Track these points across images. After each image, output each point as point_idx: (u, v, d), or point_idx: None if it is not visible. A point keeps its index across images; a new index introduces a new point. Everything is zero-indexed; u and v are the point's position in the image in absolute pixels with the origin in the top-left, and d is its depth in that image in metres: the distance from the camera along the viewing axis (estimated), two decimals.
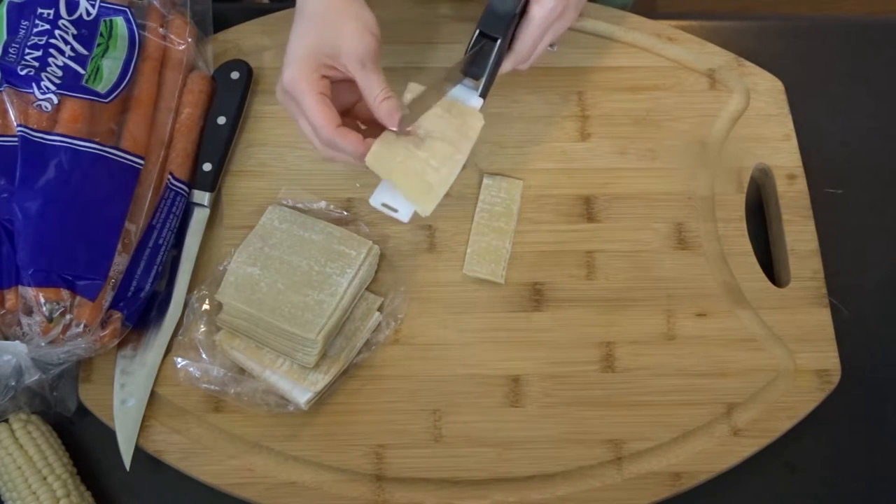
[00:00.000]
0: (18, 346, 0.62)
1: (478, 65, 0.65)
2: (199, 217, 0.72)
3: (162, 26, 0.74)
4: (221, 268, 0.69)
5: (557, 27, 0.65)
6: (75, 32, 0.70)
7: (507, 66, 0.66)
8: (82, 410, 0.66)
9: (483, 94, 0.66)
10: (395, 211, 0.65)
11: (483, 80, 0.66)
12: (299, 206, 0.72)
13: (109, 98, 0.69)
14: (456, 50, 0.78)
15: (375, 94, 0.61)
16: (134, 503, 0.65)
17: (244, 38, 0.79)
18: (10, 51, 0.68)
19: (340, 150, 0.62)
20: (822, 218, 0.74)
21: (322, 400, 0.66)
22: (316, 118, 0.61)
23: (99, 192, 0.66)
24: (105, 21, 0.72)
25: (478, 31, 0.64)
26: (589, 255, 0.71)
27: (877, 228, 0.76)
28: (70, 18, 0.71)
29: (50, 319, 0.62)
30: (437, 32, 0.79)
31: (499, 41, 0.64)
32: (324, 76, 0.62)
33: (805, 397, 0.68)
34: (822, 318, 0.70)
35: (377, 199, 0.66)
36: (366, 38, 0.61)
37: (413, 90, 0.64)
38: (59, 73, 0.68)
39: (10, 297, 0.62)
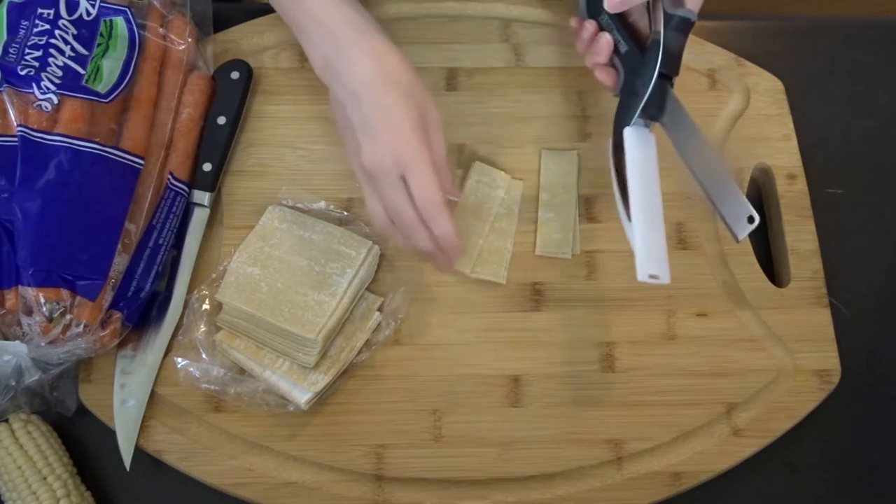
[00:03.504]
0: (18, 346, 0.62)
1: (657, 106, 0.63)
2: (199, 217, 0.72)
3: (162, 26, 0.74)
4: (221, 268, 0.69)
5: None
6: (75, 32, 0.70)
7: None
8: (82, 410, 0.66)
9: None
10: (657, 278, 0.59)
11: (663, 118, 0.64)
12: (299, 206, 0.72)
13: (109, 98, 0.69)
14: (456, 50, 0.78)
15: (435, 196, 0.57)
16: (134, 503, 0.65)
17: (244, 38, 0.79)
18: (10, 51, 0.68)
19: (436, 227, 0.58)
20: (822, 218, 0.74)
21: (322, 400, 0.66)
22: (423, 194, 0.56)
23: (99, 192, 0.66)
24: (105, 21, 0.72)
25: (657, 74, 0.62)
26: (589, 255, 0.71)
27: (877, 228, 0.76)
28: (70, 18, 0.71)
29: (50, 319, 0.62)
30: (437, 32, 0.79)
31: (674, 78, 0.63)
32: None
33: (805, 397, 0.68)
34: (822, 318, 0.70)
35: (643, 272, 0.59)
36: (431, 100, 0.59)
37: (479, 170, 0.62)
38: (59, 73, 0.68)
39: (10, 297, 0.62)
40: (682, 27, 0.62)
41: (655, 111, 0.63)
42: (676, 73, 0.63)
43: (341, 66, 0.58)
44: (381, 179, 0.58)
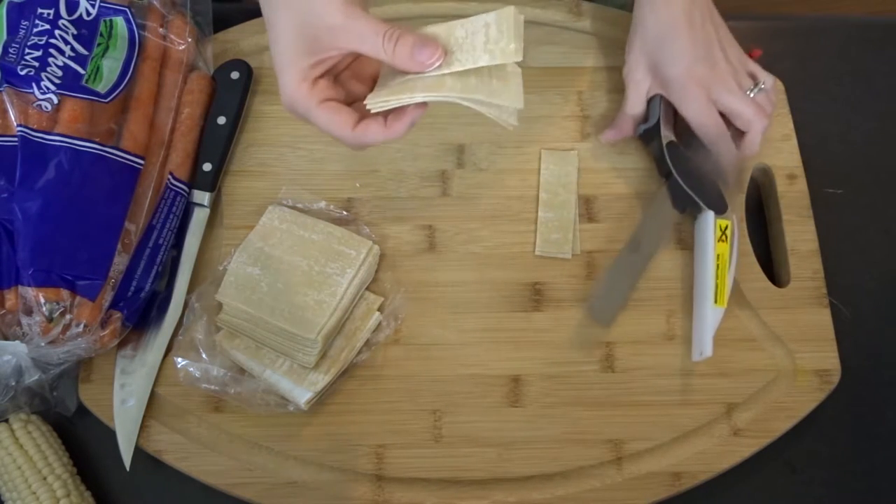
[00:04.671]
0: (18, 346, 0.62)
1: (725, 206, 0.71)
2: (199, 217, 0.72)
3: (162, 26, 0.74)
4: (221, 268, 0.69)
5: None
6: (75, 32, 0.70)
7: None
8: (82, 410, 0.66)
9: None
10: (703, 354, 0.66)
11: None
12: (299, 206, 0.72)
13: (109, 98, 0.69)
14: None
15: (378, 43, 0.49)
16: (134, 503, 0.65)
17: (244, 38, 0.79)
18: (10, 51, 0.68)
19: (370, 144, 0.54)
20: (822, 218, 0.74)
21: (322, 400, 0.66)
22: (330, 131, 0.53)
23: (99, 192, 0.66)
24: (105, 21, 0.72)
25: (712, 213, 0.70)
26: (589, 255, 0.71)
27: (877, 228, 0.76)
28: (70, 18, 0.71)
29: (50, 319, 0.62)
30: None
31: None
32: (318, 77, 0.53)
33: (805, 397, 0.68)
34: (822, 318, 0.70)
35: (696, 354, 0.67)
36: (331, 2, 0.50)
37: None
38: (59, 73, 0.68)
39: (10, 297, 0.62)
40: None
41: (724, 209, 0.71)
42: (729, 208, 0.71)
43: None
44: (297, 117, 0.55)
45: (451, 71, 0.50)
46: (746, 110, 0.68)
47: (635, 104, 0.71)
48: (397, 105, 0.51)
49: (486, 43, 0.50)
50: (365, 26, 0.49)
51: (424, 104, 0.52)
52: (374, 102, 0.52)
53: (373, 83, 0.55)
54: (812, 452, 0.68)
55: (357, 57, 0.54)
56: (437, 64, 0.50)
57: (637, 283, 0.70)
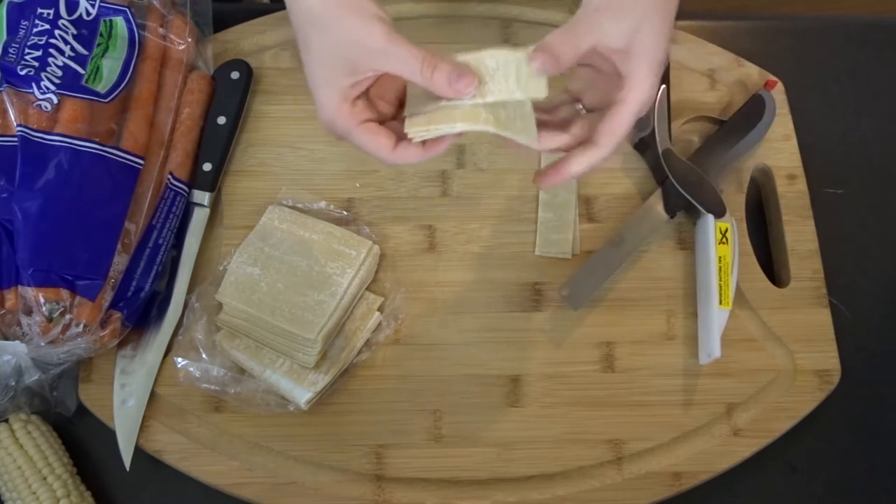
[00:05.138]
0: (18, 346, 0.62)
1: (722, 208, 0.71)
2: (199, 217, 0.72)
3: (162, 26, 0.74)
4: (221, 268, 0.69)
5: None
6: (75, 32, 0.70)
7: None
8: (82, 410, 0.66)
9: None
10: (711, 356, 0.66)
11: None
12: (299, 206, 0.72)
13: (109, 98, 0.69)
14: (456, 50, 0.78)
15: (416, 69, 0.51)
16: (134, 503, 0.65)
17: (244, 38, 0.79)
18: (10, 51, 0.68)
19: (407, 164, 0.55)
20: (822, 218, 0.74)
21: (322, 400, 0.66)
22: (370, 151, 0.54)
23: (99, 192, 0.66)
24: (105, 21, 0.72)
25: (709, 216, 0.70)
26: (589, 255, 0.71)
27: (877, 228, 0.76)
28: (70, 18, 0.71)
29: (50, 319, 0.62)
30: (437, 32, 0.79)
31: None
32: (356, 98, 0.54)
33: (805, 397, 0.68)
34: (822, 318, 0.70)
35: (704, 357, 0.68)
36: (372, 27, 0.51)
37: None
38: (59, 73, 0.68)
39: (10, 297, 0.62)
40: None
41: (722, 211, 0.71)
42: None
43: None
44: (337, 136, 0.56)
45: (484, 101, 0.52)
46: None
47: (586, 41, 0.53)
48: (437, 134, 0.53)
49: (518, 78, 0.52)
50: (406, 51, 0.51)
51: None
52: (415, 131, 0.53)
53: (396, 101, 0.57)
54: (812, 452, 0.68)
55: (379, 77, 0.55)
56: (473, 93, 0.51)
57: (612, 276, 0.70)
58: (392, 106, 0.56)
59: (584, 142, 0.55)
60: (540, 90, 0.52)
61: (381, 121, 0.55)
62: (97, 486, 0.64)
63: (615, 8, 0.53)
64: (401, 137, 0.54)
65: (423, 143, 0.54)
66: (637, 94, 0.54)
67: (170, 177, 0.70)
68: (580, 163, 0.55)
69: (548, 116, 0.58)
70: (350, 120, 0.53)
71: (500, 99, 0.52)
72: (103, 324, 0.64)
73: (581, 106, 0.58)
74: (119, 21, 0.73)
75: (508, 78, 0.52)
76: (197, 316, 0.68)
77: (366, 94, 0.55)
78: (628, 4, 0.53)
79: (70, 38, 0.70)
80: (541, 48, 0.52)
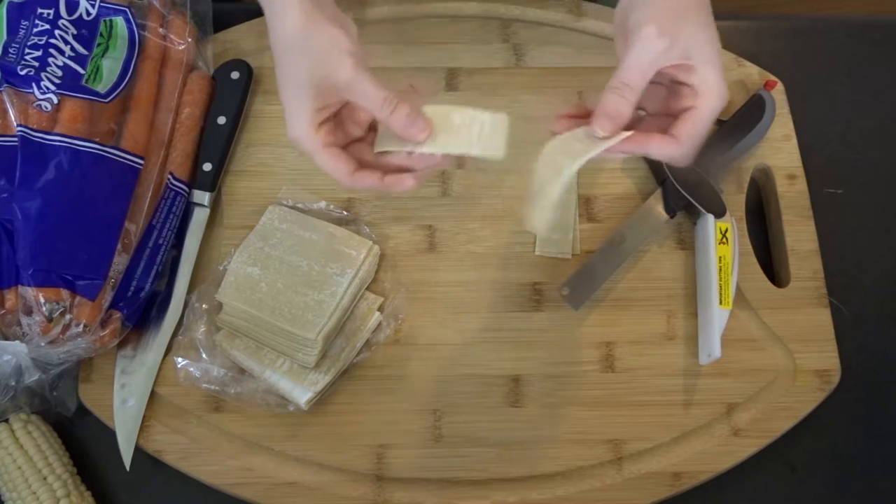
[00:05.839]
0: (18, 346, 0.62)
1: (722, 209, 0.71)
2: (199, 217, 0.72)
3: (162, 26, 0.74)
4: (221, 268, 0.69)
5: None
6: (75, 32, 0.70)
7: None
8: (82, 410, 0.66)
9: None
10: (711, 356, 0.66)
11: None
12: (299, 206, 0.72)
13: (109, 98, 0.69)
14: (457, 50, 0.78)
15: (378, 106, 0.54)
16: (134, 503, 0.65)
17: (244, 38, 0.79)
18: (10, 51, 0.68)
19: (363, 188, 0.58)
20: (822, 218, 0.74)
21: (322, 400, 0.66)
22: (331, 173, 0.57)
23: (99, 192, 0.66)
24: (105, 21, 0.72)
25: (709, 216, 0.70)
26: (589, 255, 0.71)
27: (877, 228, 0.76)
28: (70, 18, 0.71)
29: (50, 319, 0.62)
30: (437, 32, 0.79)
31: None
32: (323, 122, 0.57)
33: (805, 397, 0.68)
34: (822, 318, 0.70)
35: (703, 357, 0.67)
36: (341, 60, 0.54)
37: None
38: (59, 73, 0.68)
39: (10, 297, 0.62)
40: None
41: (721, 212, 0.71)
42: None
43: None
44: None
45: (444, 152, 0.56)
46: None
47: (644, 77, 0.54)
48: (399, 150, 0.57)
49: (480, 136, 0.56)
50: (370, 89, 0.54)
51: (420, 178, 0.57)
52: (382, 145, 0.57)
53: (366, 125, 0.59)
54: (812, 452, 0.68)
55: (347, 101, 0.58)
56: (423, 139, 0.55)
57: (612, 276, 0.70)
58: (360, 128, 0.59)
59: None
60: (497, 152, 0.56)
61: (348, 142, 0.58)
62: (97, 486, 0.64)
63: (660, 25, 0.53)
64: (362, 163, 0.57)
65: (383, 174, 0.57)
66: (713, 101, 0.55)
67: (170, 177, 0.70)
68: (660, 147, 0.55)
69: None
70: (314, 143, 0.56)
71: (457, 153, 0.56)
72: (103, 324, 0.64)
73: (644, 111, 0.59)
74: (119, 21, 0.73)
75: (471, 135, 0.56)
76: (197, 316, 0.68)
77: (334, 117, 0.57)
78: (670, 17, 0.54)
79: (70, 38, 0.70)
80: (600, 114, 0.54)
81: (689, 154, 0.56)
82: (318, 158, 0.57)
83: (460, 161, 0.75)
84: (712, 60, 0.54)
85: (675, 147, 0.55)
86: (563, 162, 0.56)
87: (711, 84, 0.54)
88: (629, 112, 0.54)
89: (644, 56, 0.54)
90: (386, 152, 0.57)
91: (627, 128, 0.56)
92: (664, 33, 0.53)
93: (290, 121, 0.57)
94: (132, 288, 0.66)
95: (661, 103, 0.58)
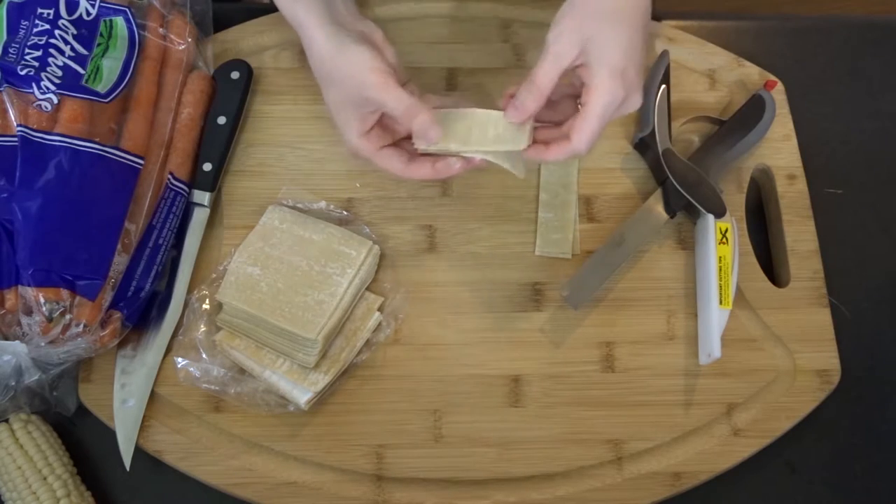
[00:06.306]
0: (18, 346, 0.62)
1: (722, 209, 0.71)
2: (199, 217, 0.72)
3: (162, 26, 0.74)
4: (221, 268, 0.69)
5: (619, 113, 0.61)
6: (75, 32, 0.70)
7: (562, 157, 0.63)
8: (82, 410, 0.66)
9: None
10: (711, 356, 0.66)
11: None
12: (299, 206, 0.72)
13: (109, 98, 0.69)
14: (456, 50, 0.78)
15: (401, 114, 0.60)
16: (134, 503, 0.65)
17: (244, 38, 0.79)
18: (10, 51, 0.68)
19: (420, 179, 0.64)
20: (822, 218, 0.74)
21: (322, 400, 0.66)
22: (389, 171, 0.63)
23: (99, 192, 0.66)
24: (105, 21, 0.72)
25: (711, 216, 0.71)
26: (589, 255, 0.71)
27: (877, 228, 0.76)
28: (70, 18, 0.71)
29: (50, 319, 0.62)
30: (437, 32, 0.79)
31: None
32: (370, 130, 0.63)
33: (805, 397, 0.68)
34: (822, 318, 0.70)
35: (703, 357, 0.68)
36: (365, 79, 0.60)
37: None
38: (59, 73, 0.68)
39: (10, 297, 0.62)
40: None
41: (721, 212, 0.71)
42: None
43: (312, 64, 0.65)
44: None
45: (472, 150, 0.62)
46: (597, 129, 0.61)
47: (549, 77, 0.60)
48: (437, 151, 0.62)
49: (497, 130, 0.61)
50: (393, 101, 0.60)
51: (469, 162, 0.62)
52: (422, 145, 0.62)
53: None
54: (812, 452, 0.68)
55: None
56: (435, 142, 0.61)
57: (612, 276, 0.70)
58: (401, 133, 0.65)
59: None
60: (520, 142, 0.61)
61: (398, 140, 0.65)
62: (97, 486, 0.64)
63: (568, 29, 0.60)
64: (413, 156, 0.63)
65: (434, 163, 0.63)
66: (598, 99, 0.59)
67: (170, 177, 0.70)
68: (556, 153, 0.61)
69: (551, 112, 0.64)
70: (367, 148, 0.63)
71: (484, 150, 0.61)
72: (103, 324, 0.64)
73: (580, 103, 0.62)
74: (119, 21, 0.73)
75: (486, 132, 0.61)
76: (197, 316, 0.68)
77: (380, 123, 0.63)
78: (576, 23, 0.60)
79: (70, 38, 0.70)
80: (511, 105, 0.61)
81: (586, 151, 0.60)
82: (375, 160, 0.64)
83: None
84: (610, 59, 0.59)
85: (568, 147, 0.60)
86: (473, 137, 0.62)
87: (600, 81, 0.59)
88: (534, 108, 0.60)
89: (550, 62, 0.60)
90: (425, 149, 0.62)
91: (559, 122, 0.63)
92: (573, 42, 0.59)
93: (344, 136, 0.64)
94: (132, 288, 0.66)
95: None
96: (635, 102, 0.61)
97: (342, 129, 0.64)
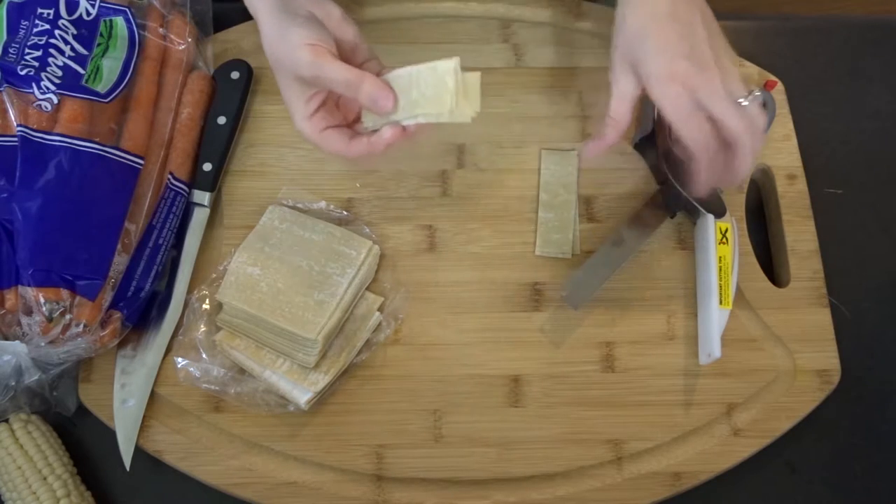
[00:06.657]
0: (18, 346, 0.62)
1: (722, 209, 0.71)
2: (199, 217, 0.72)
3: (162, 26, 0.74)
4: (221, 268, 0.69)
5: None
6: (75, 32, 0.70)
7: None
8: (82, 410, 0.66)
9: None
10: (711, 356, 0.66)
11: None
12: (299, 206, 0.72)
13: (109, 98, 0.69)
14: (457, 50, 0.78)
15: (343, 87, 0.59)
16: (134, 503, 0.65)
17: (244, 38, 0.79)
18: (10, 51, 0.68)
19: (359, 156, 0.63)
20: (822, 218, 0.74)
21: (322, 400, 0.66)
22: (331, 151, 0.63)
23: (99, 192, 0.66)
24: (105, 21, 0.72)
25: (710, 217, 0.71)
26: (589, 255, 0.71)
27: (877, 228, 0.76)
28: (70, 18, 0.71)
29: (50, 319, 0.62)
30: (437, 32, 0.79)
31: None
32: (315, 111, 0.62)
33: (805, 397, 0.68)
34: (822, 318, 0.70)
35: (703, 356, 0.68)
36: (298, 57, 0.59)
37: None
38: (59, 72, 0.68)
39: (10, 297, 0.62)
40: None
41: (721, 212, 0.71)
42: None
43: None
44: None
45: (420, 120, 0.59)
46: (734, 119, 0.59)
47: (618, 109, 0.63)
48: (383, 124, 0.61)
49: (454, 94, 0.58)
50: (331, 73, 0.59)
51: (404, 130, 0.61)
52: (368, 121, 0.63)
53: (357, 107, 0.64)
54: (812, 452, 0.68)
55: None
56: (391, 106, 0.59)
57: (612, 276, 0.70)
58: (354, 112, 0.65)
59: None
60: (474, 107, 0.58)
61: (347, 124, 0.64)
62: (97, 486, 0.64)
63: (618, 64, 0.63)
64: (355, 135, 0.63)
65: (369, 137, 0.62)
66: (663, 109, 0.60)
67: (170, 177, 0.70)
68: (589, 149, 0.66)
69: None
70: (311, 130, 0.63)
71: (428, 120, 0.59)
72: (103, 324, 0.64)
73: None
74: (119, 21, 0.73)
75: (444, 94, 0.58)
76: (197, 316, 0.68)
77: (325, 106, 0.63)
78: (620, 53, 0.63)
79: (70, 38, 0.70)
80: (593, 139, 0.65)
81: (695, 149, 0.60)
82: (318, 142, 0.63)
83: (460, 161, 0.75)
84: (654, 69, 0.60)
85: (600, 144, 0.65)
86: (400, 103, 0.59)
87: (652, 92, 0.61)
88: (615, 138, 0.64)
89: (618, 100, 0.64)
90: (372, 125, 0.62)
91: None
92: (625, 71, 0.63)
93: (292, 117, 0.63)
94: (132, 288, 0.66)
95: None
96: (713, 76, 0.60)
97: (289, 110, 0.63)
